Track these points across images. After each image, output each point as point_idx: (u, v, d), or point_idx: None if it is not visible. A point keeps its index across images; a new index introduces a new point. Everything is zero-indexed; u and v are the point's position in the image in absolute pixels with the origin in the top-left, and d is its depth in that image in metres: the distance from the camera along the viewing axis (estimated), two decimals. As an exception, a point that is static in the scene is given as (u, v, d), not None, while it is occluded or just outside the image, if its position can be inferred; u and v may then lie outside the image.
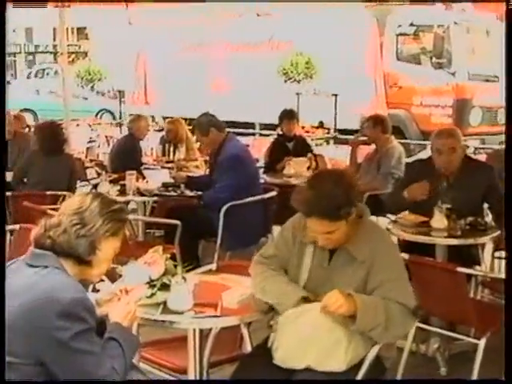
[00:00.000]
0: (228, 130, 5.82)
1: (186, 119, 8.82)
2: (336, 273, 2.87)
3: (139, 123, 7.87)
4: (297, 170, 6.86)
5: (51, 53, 38.18)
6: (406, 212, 4.45)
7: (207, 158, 6.58)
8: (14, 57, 39.12)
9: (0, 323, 2.12)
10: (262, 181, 6.59)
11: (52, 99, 20.62)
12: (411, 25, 12.34)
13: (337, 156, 9.61)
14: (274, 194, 5.69)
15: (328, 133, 12.49)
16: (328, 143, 11.95)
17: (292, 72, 13.42)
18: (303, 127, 11.03)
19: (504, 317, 2.73)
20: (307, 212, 2.77)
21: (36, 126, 7.32)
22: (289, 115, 7.24)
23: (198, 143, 8.47)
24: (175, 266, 2.98)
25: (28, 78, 27.03)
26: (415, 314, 2.82)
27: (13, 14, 10.42)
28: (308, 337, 2.72)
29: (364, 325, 2.71)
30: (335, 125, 12.47)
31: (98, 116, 21.95)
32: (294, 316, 2.79)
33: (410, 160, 6.58)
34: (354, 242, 2.85)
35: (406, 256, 3.46)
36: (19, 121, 8.20)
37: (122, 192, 5.80)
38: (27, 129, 8.76)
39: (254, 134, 12.77)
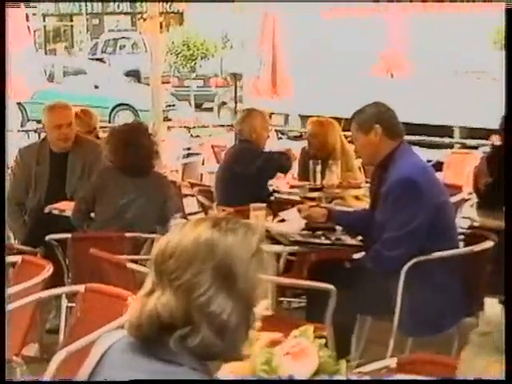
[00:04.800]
0: (406, 137, 5.82)
1: (338, 119, 8.87)
2: None
3: (252, 121, 7.91)
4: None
5: (127, 14, 39.27)
6: None
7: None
8: (71, 20, 40.40)
9: (0, 323, 2.23)
10: (464, 222, 6.55)
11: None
12: None
13: None
14: (489, 245, 5.60)
15: None
16: None
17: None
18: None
19: (504, 317, 2.70)
20: None
21: (113, 129, 7.29)
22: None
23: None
24: (333, 359, 3.00)
25: (92, 53, 27.89)
26: None
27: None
28: None
29: None
30: None
31: (112, 116, 22.78)
32: None
33: None
34: None
35: None
36: (83, 120, 8.15)
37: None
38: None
39: (451, 146, 12.69)
